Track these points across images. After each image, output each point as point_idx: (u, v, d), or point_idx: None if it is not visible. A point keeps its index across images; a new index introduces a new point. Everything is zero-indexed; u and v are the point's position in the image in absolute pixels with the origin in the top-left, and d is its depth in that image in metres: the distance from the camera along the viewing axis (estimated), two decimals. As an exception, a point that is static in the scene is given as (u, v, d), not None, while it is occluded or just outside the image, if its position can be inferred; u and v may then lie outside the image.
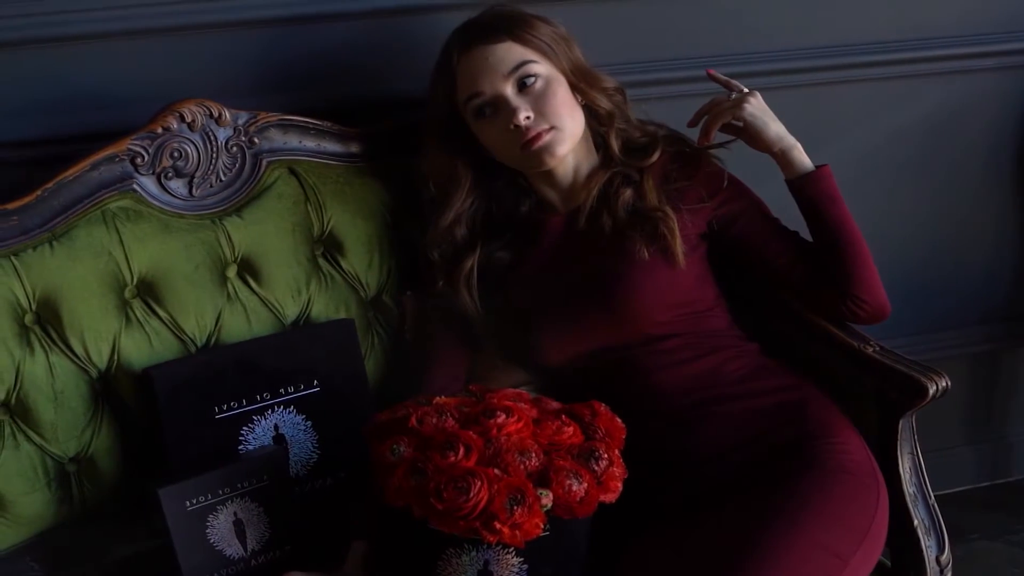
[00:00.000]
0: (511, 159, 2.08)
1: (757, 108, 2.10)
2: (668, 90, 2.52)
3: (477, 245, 2.13)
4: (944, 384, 1.98)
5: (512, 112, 2.02)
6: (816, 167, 2.11)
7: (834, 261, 2.08)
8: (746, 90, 2.14)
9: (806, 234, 2.15)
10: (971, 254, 3.00)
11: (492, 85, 2.03)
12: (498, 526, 1.70)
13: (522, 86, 2.04)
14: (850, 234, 2.08)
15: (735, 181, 2.17)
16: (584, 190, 2.12)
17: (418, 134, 2.17)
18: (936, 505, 2.07)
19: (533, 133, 2.03)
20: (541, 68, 2.05)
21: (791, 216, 2.15)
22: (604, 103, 2.12)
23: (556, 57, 2.07)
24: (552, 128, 2.04)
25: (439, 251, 2.14)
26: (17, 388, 1.98)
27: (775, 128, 2.10)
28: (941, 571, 2.06)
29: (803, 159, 2.11)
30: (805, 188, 2.10)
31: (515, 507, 1.71)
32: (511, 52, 2.04)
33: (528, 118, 2.02)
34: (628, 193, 2.10)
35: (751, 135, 2.11)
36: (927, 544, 2.04)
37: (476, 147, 2.11)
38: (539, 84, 2.04)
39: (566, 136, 2.06)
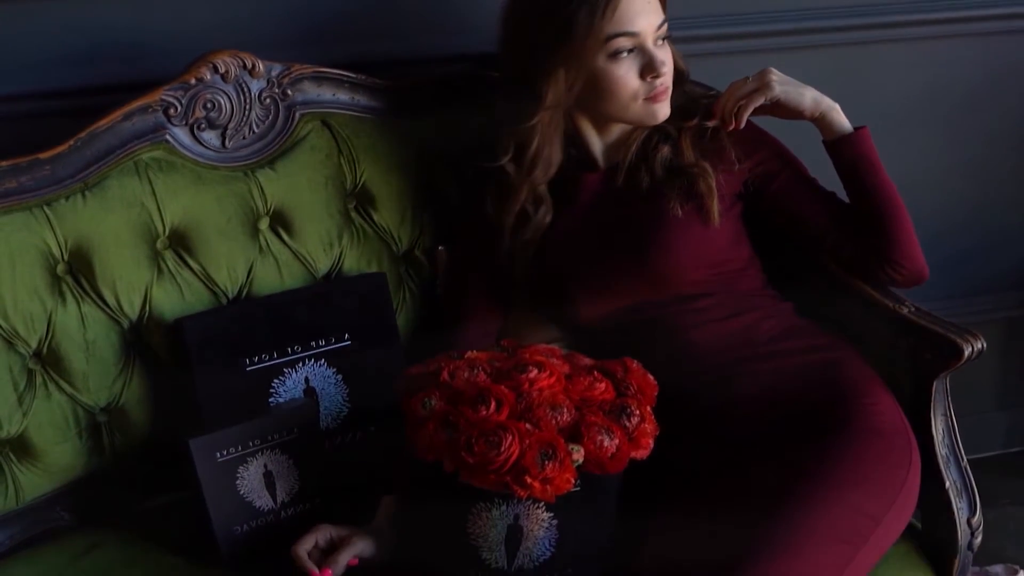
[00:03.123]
0: (625, 106, 2.03)
1: (782, 81, 2.07)
2: (697, 48, 2.49)
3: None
4: (980, 346, 1.97)
5: (658, 64, 2.00)
6: (855, 129, 2.08)
7: (872, 224, 2.06)
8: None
9: (843, 195, 2.12)
10: (1007, 218, 2.97)
11: (645, 30, 2.00)
12: (529, 480, 1.69)
13: (659, 41, 2.02)
14: (889, 197, 2.06)
15: (772, 141, 2.15)
16: (623, 146, 2.11)
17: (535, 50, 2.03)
18: (968, 467, 2.06)
19: (662, 88, 2.02)
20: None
21: (827, 178, 2.13)
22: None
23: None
24: (668, 88, 2.04)
25: (514, 166, 2.08)
26: (49, 338, 1.99)
27: (809, 95, 2.07)
28: (972, 533, 2.05)
29: (842, 120, 2.08)
30: (844, 150, 2.08)
31: (546, 462, 1.70)
32: (660, 4, 2.03)
33: (666, 74, 2.01)
34: (666, 150, 2.08)
35: (787, 109, 2.08)
36: (958, 506, 2.03)
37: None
38: (668, 43, 2.04)
39: (672, 96, 2.06)
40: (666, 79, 2.02)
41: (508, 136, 2.07)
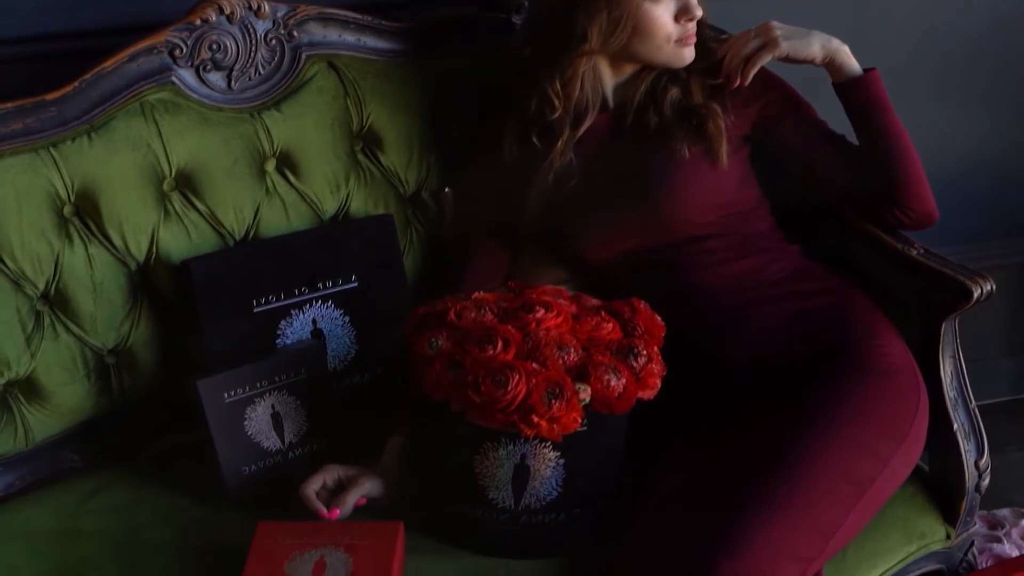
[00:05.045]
0: (658, 47, 2.02)
1: (787, 35, 2.05)
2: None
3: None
4: (989, 288, 1.96)
5: (693, 7, 1.99)
6: (864, 71, 2.06)
7: (882, 167, 2.04)
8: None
9: (853, 137, 2.11)
10: (1018, 163, 2.95)
11: None
12: (536, 419, 1.70)
13: None
14: (899, 139, 2.04)
15: (781, 83, 2.14)
16: (632, 86, 2.10)
17: None
18: (977, 410, 2.06)
19: (692, 31, 2.02)
20: None
21: (836, 120, 2.11)
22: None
23: None
24: (695, 32, 2.04)
25: (562, 113, 2.06)
26: (56, 279, 1.99)
27: (817, 41, 2.06)
28: (979, 476, 2.06)
29: (851, 62, 2.07)
30: (853, 92, 2.06)
31: (553, 401, 1.70)
32: None
33: (697, 17, 2.01)
34: (675, 91, 2.07)
35: (797, 59, 2.07)
36: (966, 448, 2.04)
37: None
38: None
39: None
40: (695, 24, 2.02)
41: (549, 83, 2.04)
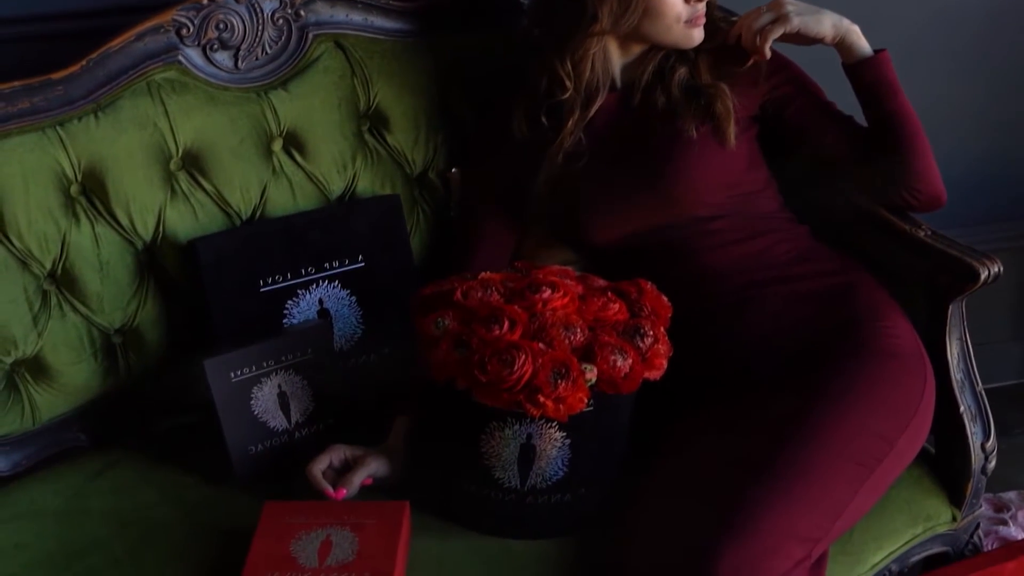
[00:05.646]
0: (668, 27, 2.02)
1: (799, 11, 2.04)
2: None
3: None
4: (996, 269, 1.96)
5: None
6: (875, 51, 2.05)
7: (890, 149, 2.04)
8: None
9: (861, 119, 2.10)
10: (1024, 146, 2.95)
11: None
12: (542, 399, 1.69)
13: None
14: (908, 121, 2.03)
15: (789, 64, 2.13)
16: (639, 66, 2.09)
17: None
18: (983, 392, 2.05)
19: (702, 12, 2.03)
20: None
21: (845, 102, 2.11)
22: None
23: None
24: (704, 14, 2.04)
25: (572, 93, 2.06)
26: (63, 258, 1.99)
27: (828, 20, 2.05)
28: (986, 458, 2.06)
29: (862, 43, 2.06)
30: (864, 74, 2.05)
31: (559, 381, 1.70)
32: None
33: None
34: (683, 71, 2.07)
35: (808, 38, 2.05)
36: (972, 430, 2.03)
37: None
38: None
39: None
40: (704, 5, 2.02)
41: (560, 63, 2.04)
